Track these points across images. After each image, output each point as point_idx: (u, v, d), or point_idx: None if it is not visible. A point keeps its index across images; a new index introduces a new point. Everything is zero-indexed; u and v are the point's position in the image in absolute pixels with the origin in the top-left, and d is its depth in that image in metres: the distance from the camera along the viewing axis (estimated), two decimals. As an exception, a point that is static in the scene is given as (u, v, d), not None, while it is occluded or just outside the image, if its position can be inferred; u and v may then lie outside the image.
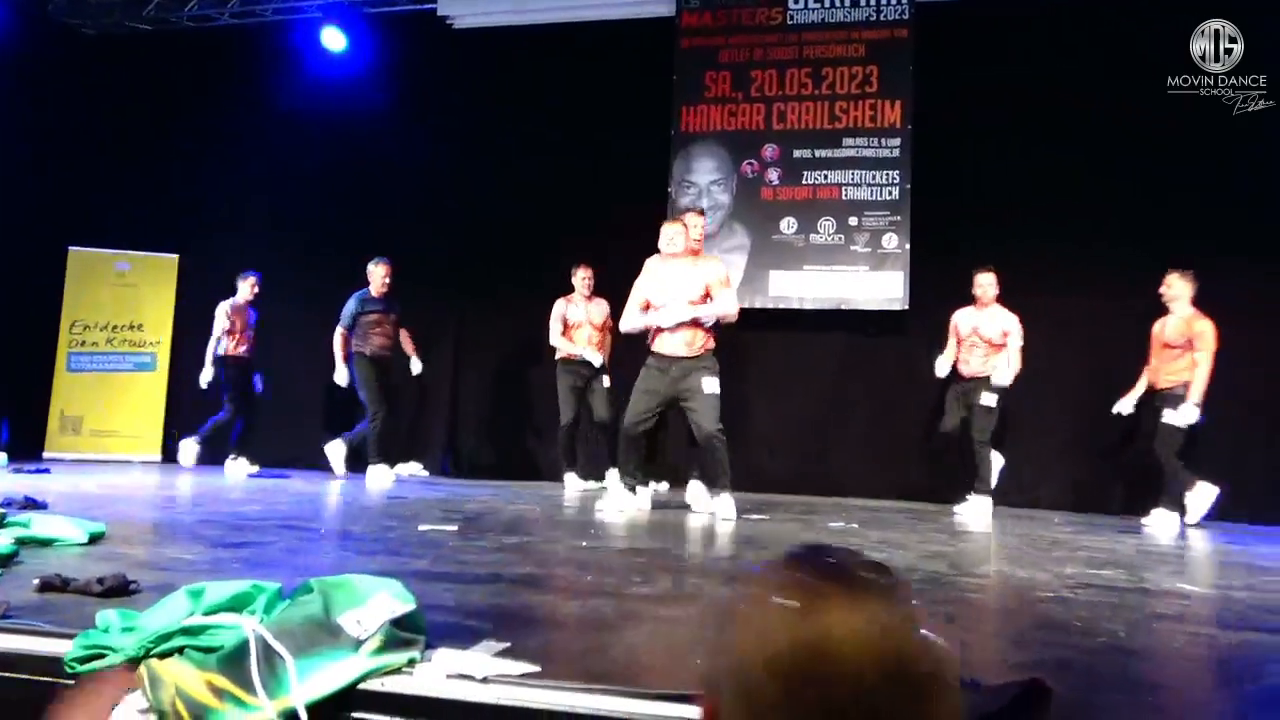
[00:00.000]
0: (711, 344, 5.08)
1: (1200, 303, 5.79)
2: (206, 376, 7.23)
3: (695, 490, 5.59)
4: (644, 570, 3.04)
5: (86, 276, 8.20)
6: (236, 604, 1.84)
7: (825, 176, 7.07)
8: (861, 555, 0.72)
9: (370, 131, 7.75)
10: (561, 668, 1.72)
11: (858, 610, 0.65)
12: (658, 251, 5.27)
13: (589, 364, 6.58)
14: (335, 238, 7.66)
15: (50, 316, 8.05)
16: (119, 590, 2.21)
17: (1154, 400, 5.85)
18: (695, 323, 4.97)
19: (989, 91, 6.70)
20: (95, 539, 3.07)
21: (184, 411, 8.14)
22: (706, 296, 5.03)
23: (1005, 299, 6.19)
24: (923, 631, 0.66)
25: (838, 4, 7.12)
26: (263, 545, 3.27)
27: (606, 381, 6.60)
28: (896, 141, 6.95)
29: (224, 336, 7.21)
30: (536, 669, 1.68)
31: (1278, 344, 6.09)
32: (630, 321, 5.20)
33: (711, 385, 4.96)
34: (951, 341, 6.19)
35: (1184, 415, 5.59)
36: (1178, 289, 5.77)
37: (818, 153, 7.07)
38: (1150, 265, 6.02)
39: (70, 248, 8.15)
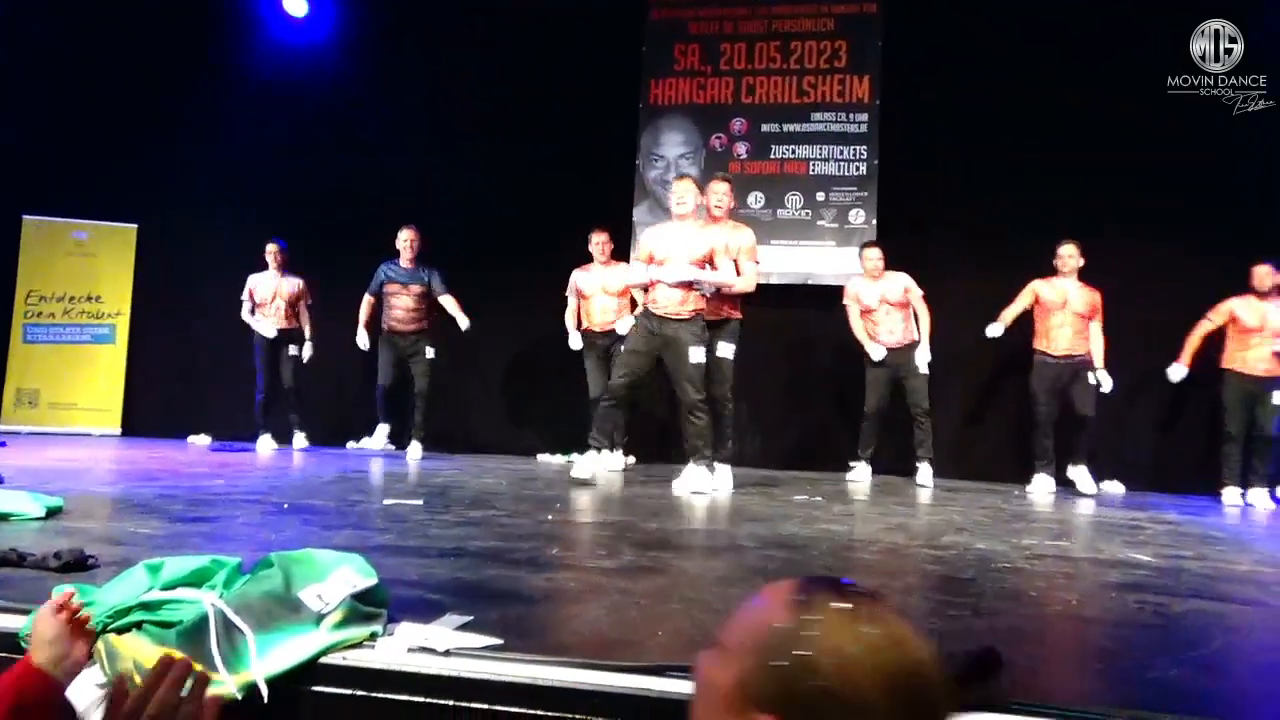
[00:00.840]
0: (704, 308, 5.05)
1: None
2: (262, 329, 7.08)
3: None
4: (609, 544, 3.06)
5: (42, 246, 8.04)
6: (196, 579, 1.83)
7: (793, 151, 7.08)
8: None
9: (334, 99, 7.65)
10: (524, 641, 1.73)
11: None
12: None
13: (609, 334, 6.39)
14: (300, 207, 7.56)
15: (5, 287, 7.89)
16: (76, 565, 2.18)
17: (1073, 369, 6.05)
18: (690, 286, 4.95)
19: (958, 69, 6.74)
20: (53, 513, 3.03)
21: (144, 385, 8.03)
22: (708, 261, 5.00)
23: (969, 277, 6.28)
24: None
25: (808, -23, 7.10)
26: (224, 520, 3.24)
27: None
28: (864, 117, 6.97)
29: (255, 310, 7.09)
30: (499, 642, 1.69)
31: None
32: (634, 274, 5.17)
33: (698, 354, 4.96)
34: (855, 314, 6.30)
35: (1107, 382, 6.04)
36: (1078, 259, 6.06)
37: (786, 127, 7.09)
38: (1129, 254, 6.22)
39: (25, 216, 7.98)
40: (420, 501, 3.96)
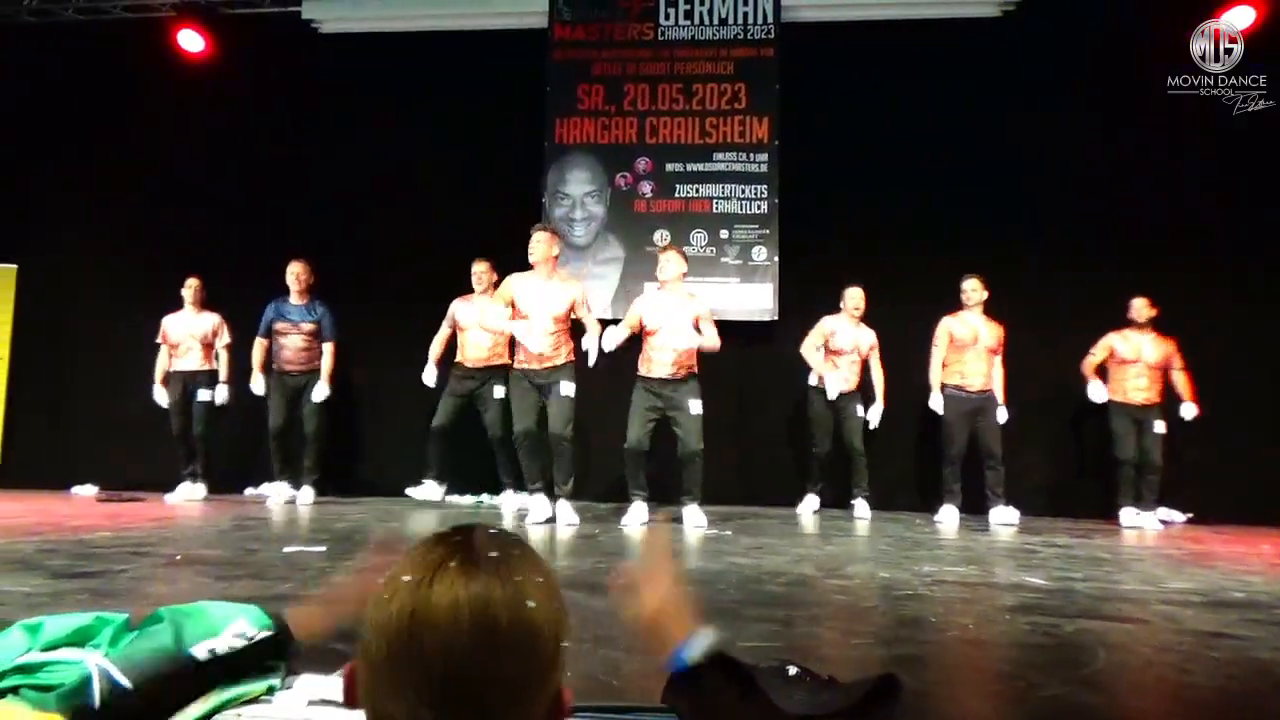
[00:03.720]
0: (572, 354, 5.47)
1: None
2: (156, 395, 6.72)
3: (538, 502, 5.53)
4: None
5: (-90, 288, 7.56)
6: (78, 638, 1.74)
7: (697, 190, 7.22)
8: (502, 532, 0.83)
9: (231, 137, 7.45)
10: (429, 688, 1.69)
11: (466, 583, 0.74)
12: (527, 263, 5.43)
13: (484, 371, 6.26)
14: (192, 247, 7.31)
15: None
16: (-55, 629, 2.05)
17: (979, 402, 6.23)
18: (558, 336, 5.39)
19: (851, 107, 6.98)
20: (-82, 574, 2.84)
21: (25, 432, 7.60)
22: (571, 313, 5.45)
23: (871, 313, 6.48)
24: (532, 601, 0.76)
25: (707, 22, 7.30)
26: (111, 574, 3.09)
27: (498, 392, 6.16)
28: (764, 157, 7.16)
29: (167, 350, 6.73)
30: (403, 690, 1.65)
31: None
32: (611, 338, 5.32)
33: (569, 389, 5.33)
34: (818, 351, 6.42)
35: (1003, 415, 6.28)
36: (983, 292, 6.29)
37: (689, 166, 7.22)
38: (1046, 278, 6.46)
39: (-109, 256, 7.51)
40: (323, 548, 3.85)
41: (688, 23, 7.33)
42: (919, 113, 6.93)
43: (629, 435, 5.47)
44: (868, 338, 6.49)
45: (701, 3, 7.33)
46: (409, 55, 7.42)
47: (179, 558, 3.49)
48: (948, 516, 6.14)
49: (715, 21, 7.31)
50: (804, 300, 6.70)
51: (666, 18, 7.34)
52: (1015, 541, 4.97)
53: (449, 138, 7.28)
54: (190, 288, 6.75)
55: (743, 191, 7.16)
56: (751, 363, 7.04)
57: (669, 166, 7.26)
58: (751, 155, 7.18)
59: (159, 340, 6.80)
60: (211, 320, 6.80)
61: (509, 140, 7.31)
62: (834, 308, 6.55)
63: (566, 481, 5.38)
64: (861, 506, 6.32)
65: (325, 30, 7.60)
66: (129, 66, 7.61)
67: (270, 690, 1.64)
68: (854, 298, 6.44)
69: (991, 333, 6.30)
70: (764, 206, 7.11)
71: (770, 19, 7.22)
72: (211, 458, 6.75)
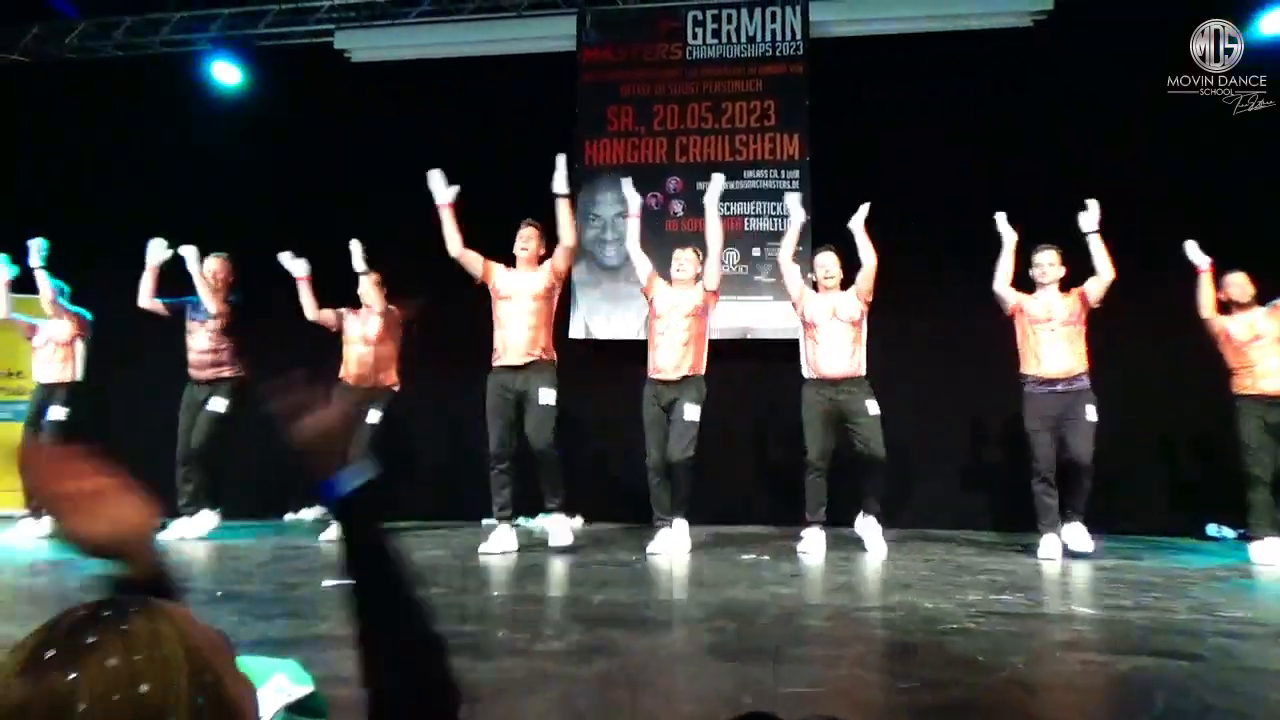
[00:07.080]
0: (552, 354, 5.32)
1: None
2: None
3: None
4: (557, 623, 3.00)
5: (-42, 321, 7.71)
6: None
7: (728, 208, 7.16)
8: (100, 610, 0.72)
9: (265, 166, 7.55)
10: (469, 745, 1.67)
11: (6, 691, 0.64)
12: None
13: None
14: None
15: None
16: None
17: (1073, 395, 5.27)
18: (535, 330, 5.29)
19: (883, 122, 6.92)
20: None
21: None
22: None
23: (905, 326, 6.37)
24: (83, 704, 0.63)
25: (735, 40, 7.29)
26: (153, 613, 3.10)
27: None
28: (795, 174, 7.11)
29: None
30: (443, 749, 1.62)
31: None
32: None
33: (548, 396, 5.09)
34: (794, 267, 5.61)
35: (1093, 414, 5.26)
36: (1059, 269, 5.50)
37: (720, 185, 7.17)
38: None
39: (-61, 291, 7.66)
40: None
41: (715, 41, 7.33)
42: (952, 126, 6.85)
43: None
44: (848, 303, 5.42)
45: (729, 21, 7.33)
46: (438, 82, 7.49)
47: (220, 594, 3.50)
48: (1047, 547, 5.02)
49: (743, 40, 7.29)
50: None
51: (694, 37, 7.34)
52: (1058, 565, 4.84)
53: (479, 163, 7.28)
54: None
55: (774, 209, 7.12)
56: (784, 381, 6.95)
57: (700, 185, 7.21)
58: (783, 172, 7.14)
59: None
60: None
61: (539, 164, 7.30)
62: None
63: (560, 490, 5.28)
64: (870, 529, 5.20)
65: (357, 59, 7.69)
66: (166, 99, 7.74)
67: (308, 750, 1.63)
68: (819, 264, 5.54)
69: (1068, 307, 5.36)
70: (796, 224, 7.04)
71: (799, 35, 7.19)
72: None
